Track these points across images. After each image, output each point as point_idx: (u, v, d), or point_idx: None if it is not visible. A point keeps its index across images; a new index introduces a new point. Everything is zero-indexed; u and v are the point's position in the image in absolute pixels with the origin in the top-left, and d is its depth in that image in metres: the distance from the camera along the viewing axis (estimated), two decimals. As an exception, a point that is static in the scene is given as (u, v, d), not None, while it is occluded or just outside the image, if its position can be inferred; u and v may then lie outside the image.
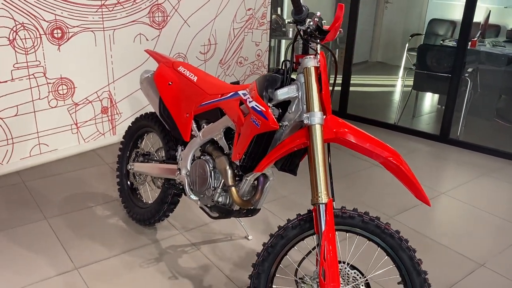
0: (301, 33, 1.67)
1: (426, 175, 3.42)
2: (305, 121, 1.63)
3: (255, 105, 1.73)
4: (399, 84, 6.36)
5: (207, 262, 2.33)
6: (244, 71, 4.74)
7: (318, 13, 1.62)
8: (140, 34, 3.72)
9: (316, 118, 1.62)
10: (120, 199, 2.77)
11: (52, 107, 3.35)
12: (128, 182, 2.71)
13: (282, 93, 1.73)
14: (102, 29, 3.47)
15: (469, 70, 4.36)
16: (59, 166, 3.35)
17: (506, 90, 4.77)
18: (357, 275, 1.69)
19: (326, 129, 1.65)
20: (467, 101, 4.39)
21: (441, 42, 5.52)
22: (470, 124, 4.57)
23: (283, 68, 1.79)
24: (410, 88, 4.81)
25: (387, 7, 7.29)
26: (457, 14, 6.16)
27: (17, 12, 3.00)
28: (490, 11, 4.86)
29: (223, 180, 2.00)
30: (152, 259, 2.34)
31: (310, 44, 1.68)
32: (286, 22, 5.32)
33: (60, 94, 3.37)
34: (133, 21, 3.64)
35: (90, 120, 3.60)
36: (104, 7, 3.43)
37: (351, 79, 4.64)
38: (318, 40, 1.63)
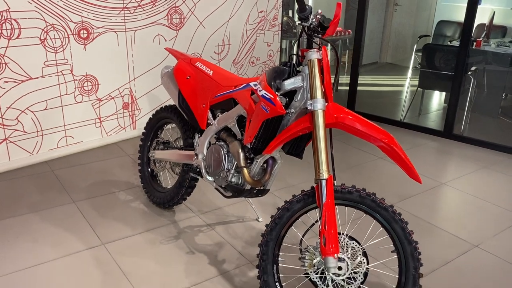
0: (305, 29, 1.89)
1: (428, 167, 3.60)
2: (309, 107, 1.85)
3: (265, 93, 1.95)
4: (407, 83, 6.53)
5: (221, 240, 2.55)
6: (256, 71, 4.97)
7: (319, 11, 1.84)
8: (159, 34, 3.97)
9: (319, 104, 1.83)
10: (141, 185, 3.01)
11: (78, 102, 3.62)
12: (149, 169, 2.94)
13: (289, 83, 1.94)
14: (124, 30, 3.73)
15: (472, 68, 4.52)
16: (84, 156, 3.61)
17: (511, 89, 4.92)
18: (355, 244, 1.89)
19: (327, 114, 1.86)
20: (471, 99, 4.56)
21: (449, 42, 5.69)
22: (475, 121, 4.73)
23: (290, 61, 2.01)
24: (417, 87, 4.99)
25: (396, 10, 7.47)
26: (464, 16, 6.31)
27: (48, 14, 3.27)
28: (494, 12, 5.01)
29: (236, 163, 2.22)
30: (171, 237, 2.57)
31: (314, 38, 1.90)
32: (297, 24, 5.54)
33: (85, 90, 3.63)
34: (152, 22, 3.89)
35: (112, 115, 3.86)
36: (126, 9, 3.69)
37: (362, 79, 4.84)
38: (320, 35, 1.84)
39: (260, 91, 2.00)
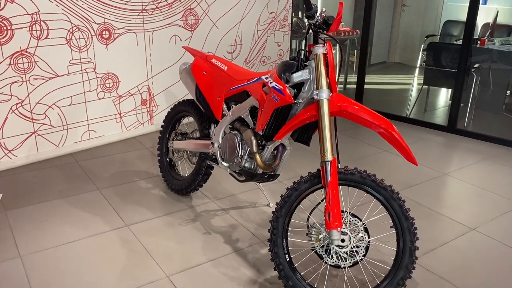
0: (312, 26, 2.09)
1: (431, 159, 3.77)
2: (315, 97, 2.05)
3: (275, 84, 2.16)
4: (414, 82, 6.69)
5: (235, 223, 2.76)
6: (267, 69, 5.18)
7: (324, 9, 2.04)
8: (175, 35, 4.20)
9: (324, 94, 2.03)
10: (160, 174, 3.24)
11: (100, 99, 3.86)
12: (168, 159, 3.17)
13: (297, 76, 2.15)
14: (143, 30, 3.97)
15: (476, 66, 4.68)
16: (106, 149, 3.85)
17: (515, 86, 5.07)
18: (357, 221, 2.09)
19: (332, 103, 2.06)
20: (474, 95, 4.71)
21: (455, 41, 5.85)
22: (479, 117, 4.89)
23: (298, 56, 2.21)
24: (422, 85, 5.16)
25: (404, 10, 7.63)
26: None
27: (73, 16, 3.51)
28: (497, 11, 5.17)
29: (249, 149, 2.42)
30: (189, 219, 2.79)
31: (319, 35, 2.11)
32: (306, 24, 5.74)
33: (107, 87, 3.87)
34: (169, 23, 4.12)
35: (131, 111, 4.10)
36: (145, 11, 3.93)
37: (370, 78, 5.02)
38: (324, 31, 2.05)
39: (271, 83, 2.20)
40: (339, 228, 1.97)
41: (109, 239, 2.57)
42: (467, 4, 4.05)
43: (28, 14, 3.29)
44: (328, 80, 2.07)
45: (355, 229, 2.07)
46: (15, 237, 2.56)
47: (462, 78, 4.25)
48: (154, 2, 3.96)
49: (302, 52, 2.21)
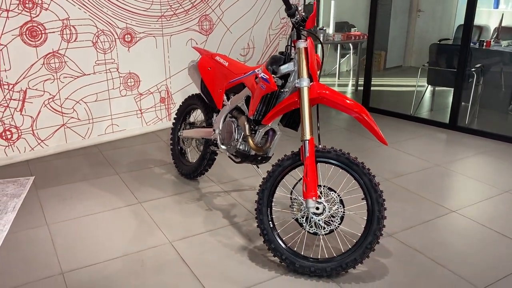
0: (294, 23, 2.41)
1: (426, 152, 3.99)
2: (296, 85, 2.36)
3: (263, 75, 2.49)
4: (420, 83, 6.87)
5: (234, 202, 3.08)
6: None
7: (300, 8, 2.36)
8: (191, 39, 4.59)
9: (304, 82, 2.34)
10: (172, 161, 3.60)
11: (122, 96, 4.28)
12: (179, 147, 3.53)
13: (284, 68, 2.47)
14: (162, 35, 4.37)
15: (477, 66, 4.87)
16: (127, 141, 4.26)
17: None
18: (333, 193, 2.37)
19: (312, 91, 2.36)
20: (475, 93, 4.89)
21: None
22: (484, 116, 5.05)
23: (286, 50, 2.53)
24: (428, 86, 5.37)
25: (419, 15, 7.83)
26: (483, 20, 6.61)
27: (99, 21, 3.95)
28: (503, 14, 5.33)
29: (243, 133, 2.75)
30: (194, 199, 3.13)
31: (301, 31, 2.42)
32: (318, 29, 6.05)
33: (128, 86, 4.29)
34: (185, 28, 4.52)
35: (151, 107, 4.50)
36: (163, 17, 4.34)
37: (385, 81, 5.28)
38: (301, 27, 2.36)
39: (260, 73, 2.53)
40: (314, 198, 2.26)
41: (123, 213, 2.94)
42: (480, 9, 4.26)
43: (60, 20, 3.74)
44: (308, 70, 2.38)
45: (332, 201, 2.36)
46: (43, 210, 2.96)
47: (461, 78, 4.45)
48: (172, 9, 4.36)
49: (289, 47, 2.53)
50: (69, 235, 2.68)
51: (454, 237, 2.67)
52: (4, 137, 3.70)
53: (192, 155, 3.57)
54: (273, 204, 2.44)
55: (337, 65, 7.13)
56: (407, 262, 2.44)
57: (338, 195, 2.37)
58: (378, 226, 2.26)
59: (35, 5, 3.59)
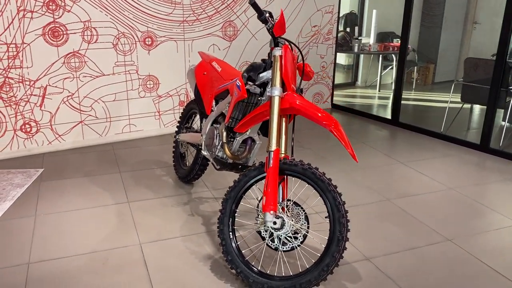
0: (268, 30, 2.34)
1: (443, 174, 3.69)
2: (268, 93, 2.29)
3: (238, 82, 2.44)
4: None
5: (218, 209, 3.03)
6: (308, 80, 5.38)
7: (267, 14, 2.28)
8: (213, 44, 4.62)
9: (276, 91, 2.26)
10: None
11: (141, 97, 4.39)
12: (180, 151, 3.55)
13: (263, 76, 2.41)
14: (183, 39, 4.44)
15: (517, 83, 4.45)
16: (142, 142, 4.36)
17: None
18: (299, 209, 2.26)
19: (284, 101, 2.27)
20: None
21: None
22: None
23: (268, 58, 2.46)
24: (462, 104, 4.99)
25: (475, 28, 7.33)
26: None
27: (120, 24, 4.09)
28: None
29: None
30: (181, 203, 3.13)
31: (277, 38, 2.34)
32: (353, 38, 5.85)
33: (147, 88, 4.40)
34: (208, 34, 4.56)
35: (169, 110, 4.58)
36: (186, 22, 4.41)
37: (432, 96, 5.02)
38: (273, 33, 2.28)
39: (236, 81, 2.48)
40: (272, 212, 2.16)
41: (109, 210, 3.00)
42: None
43: (81, 22, 3.92)
44: (282, 79, 2.29)
45: (297, 217, 2.25)
46: (38, 202, 3.10)
47: (495, 96, 4.09)
48: (195, 14, 4.42)
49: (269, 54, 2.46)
50: (50, 227, 2.78)
51: (438, 267, 2.44)
52: (23, 130, 3.93)
53: (190, 159, 3.57)
54: (236, 214, 2.38)
55: (378, 77, 6.85)
56: (373, 289, 2.26)
57: (304, 211, 2.26)
58: (338, 248, 2.12)
59: (58, 7, 3.79)
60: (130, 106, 4.36)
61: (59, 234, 2.70)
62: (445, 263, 2.48)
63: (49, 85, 3.93)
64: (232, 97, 2.50)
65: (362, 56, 6.98)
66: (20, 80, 3.80)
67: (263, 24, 2.32)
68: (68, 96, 4.04)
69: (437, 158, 4.08)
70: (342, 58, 7.72)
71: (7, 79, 3.74)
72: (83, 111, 4.14)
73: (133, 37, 4.20)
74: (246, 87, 2.41)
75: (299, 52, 2.46)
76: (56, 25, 3.83)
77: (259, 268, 2.29)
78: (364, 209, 3.07)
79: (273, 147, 2.21)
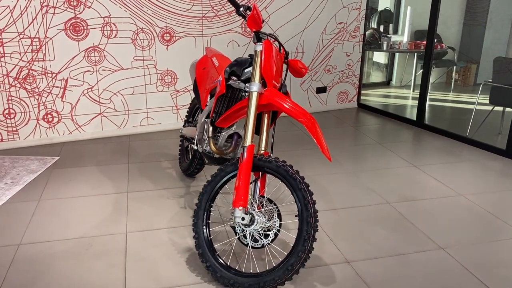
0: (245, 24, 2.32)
1: (457, 180, 3.49)
2: (247, 89, 2.28)
3: (220, 77, 2.44)
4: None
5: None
6: (333, 78, 5.28)
7: (241, 9, 2.26)
8: (233, 40, 4.65)
9: (254, 87, 2.24)
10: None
11: (159, 91, 4.50)
12: (185, 144, 3.61)
13: (247, 71, 2.40)
14: (202, 35, 4.50)
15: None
16: (158, 135, 4.47)
17: None
18: (272, 206, 2.23)
19: (263, 96, 2.26)
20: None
21: None
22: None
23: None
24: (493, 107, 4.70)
25: (525, 27, 6.85)
26: None
27: (139, 20, 4.21)
28: None
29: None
30: (178, 195, 3.18)
31: (260, 33, 2.32)
32: (382, 36, 5.66)
33: (165, 82, 4.50)
34: (227, 30, 4.59)
35: (187, 104, 4.66)
36: (204, 18, 4.46)
37: (470, 98, 4.86)
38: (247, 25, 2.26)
39: (220, 77, 2.49)
40: (241, 207, 2.15)
41: (107, 199, 3.11)
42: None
43: (101, 17, 4.07)
44: (261, 75, 2.27)
45: (270, 213, 2.22)
46: (45, 188, 3.27)
47: (523, 98, 3.82)
48: (214, 11, 4.47)
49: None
50: (49, 212, 2.92)
51: (419, 276, 2.32)
52: (46, 120, 4.15)
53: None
54: (211, 209, 2.38)
55: (413, 77, 6.59)
56: (344, 293, 2.19)
57: (277, 209, 2.23)
58: (303, 248, 2.08)
59: (79, 3, 3.96)
60: (148, 99, 4.47)
61: (55, 218, 2.84)
62: (429, 272, 2.36)
63: (70, 78, 4.12)
64: (216, 92, 2.51)
65: (397, 55, 6.74)
66: (43, 72, 4.01)
67: (241, 18, 2.31)
68: (88, 89, 4.21)
69: (456, 162, 3.87)
70: (381, 57, 7.50)
71: (30, 71, 3.97)
72: (102, 103, 4.31)
73: (152, 32, 4.30)
74: (230, 82, 2.41)
75: (280, 47, 2.43)
76: (77, 21, 4.01)
77: (228, 263, 2.29)
78: (359, 212, 2.98)
79: (248, 142, 2.20)
